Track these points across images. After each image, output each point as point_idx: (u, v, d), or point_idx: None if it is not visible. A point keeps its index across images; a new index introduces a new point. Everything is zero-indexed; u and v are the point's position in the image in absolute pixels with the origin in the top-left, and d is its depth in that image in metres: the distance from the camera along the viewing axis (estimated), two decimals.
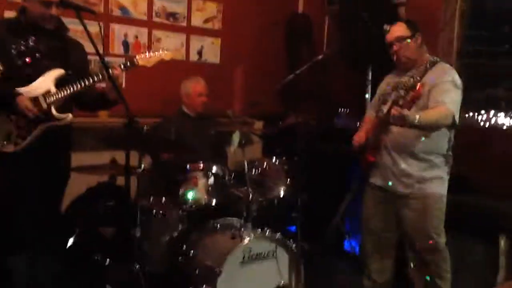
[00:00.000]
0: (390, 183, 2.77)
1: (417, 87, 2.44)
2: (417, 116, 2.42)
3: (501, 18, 3.69)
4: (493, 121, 3.66)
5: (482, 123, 3.66)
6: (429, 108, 2.60)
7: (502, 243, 3.16)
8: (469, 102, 3.30)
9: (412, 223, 2.74)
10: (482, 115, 3.61)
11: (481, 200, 3.34)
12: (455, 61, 3.88)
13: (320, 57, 3.08)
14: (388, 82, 2.93)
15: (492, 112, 3.62)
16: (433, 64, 2.72)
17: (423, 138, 2.67)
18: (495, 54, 3.72)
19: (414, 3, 3.98)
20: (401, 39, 2.72)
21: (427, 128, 2.62)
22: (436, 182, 2.72)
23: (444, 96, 2.58)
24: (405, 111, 2.40)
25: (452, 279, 2.81)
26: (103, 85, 2.63)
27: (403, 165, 2.72)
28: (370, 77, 3.90)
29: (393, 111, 2.43)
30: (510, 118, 3.60)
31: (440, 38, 3.88)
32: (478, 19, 3.83)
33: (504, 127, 3.60)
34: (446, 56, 3.81)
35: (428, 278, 2.78)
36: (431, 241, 2.71)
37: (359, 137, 2.90)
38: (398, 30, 2.74)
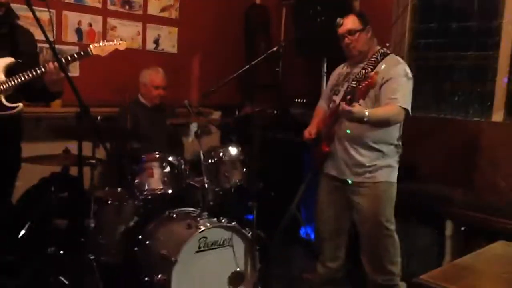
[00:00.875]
0: (348, 178, 2.81)
1: (371, 75, 2.50)
2: (366, 113, 2.46)
3: (449, 12, 3.83)
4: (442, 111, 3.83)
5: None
6: (381, 104, 2.65)
7: (448, 228, 3.32)
8: (419, 94, 3.43)
9: (363, 210, 2.81)
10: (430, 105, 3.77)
11: (428, 187, 3.49)
12: (406, 53, 4.01)
13: (275, 49, 3.10)
14: (339, 73, 2.98)
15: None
16: (384, 55, 2.78)
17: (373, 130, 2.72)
18: (444, 47, 3.86)
19: None
20: (352, 31, 2.77)
21: (377, 125, 2.67)
22: (386, 170, 2.79)
23: (396, 93, 2.63)
24: (354, 108, 2.45)
25: (402, 264, 2.91)
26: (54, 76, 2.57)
27: (355, 155, 2.77)
28: (325, 68, 3.98)
29: (341, 107, 2.48)
30: (454, 109, 3.77)
31: (393, 31, 3.99)
32: (428, 12, 3.95)
33: (449, 117, 3.76)
34: (398, 48, 3.94)
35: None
36: (381, 228, 2.79)
37: (309, 131, 2.95)
38: (349, 22, 2.79)
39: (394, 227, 2.85)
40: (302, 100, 4.13)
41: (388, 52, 2.83)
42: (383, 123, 2.67)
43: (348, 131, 2.74)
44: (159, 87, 3.63)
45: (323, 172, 2.99)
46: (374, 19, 2.91)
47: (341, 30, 2.81)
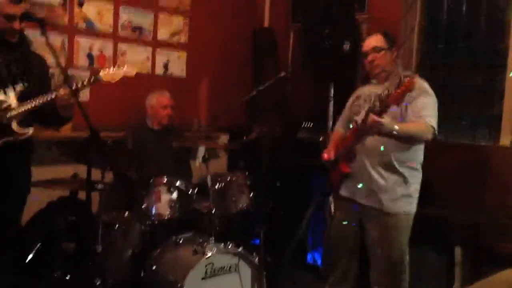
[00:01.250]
0: (365, 202, 2.74)
1: (408, 80, 2.35)
2: (396, 127, 2.44)
3: (456, 32, 3.84)
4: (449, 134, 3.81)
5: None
6: (411, 120, 2.60)
7: (457, 254, 3.28)
8: None
9: (379, 239, 2.74)
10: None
11: (437, 212, 3.46)
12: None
13: (282, 74, 3.13)
14: (358, 94, 2.92)
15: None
16: (407, 77, 2.77)
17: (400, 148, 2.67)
18: (451, 67, 3.85)
19: (375, 20, 4.11)
20: (377, 49, 2.74)
21: (405, 139, 2.61)
22: (407, 201, 2.73)
23: (425, 110, 2.60)
24: (384, 120, 2.40)
25: None
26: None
27: (375, 176, 2.69)
28: (332, 92, 3.99)
29: (371, 118, 2.41)
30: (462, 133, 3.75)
31: (400, 53, 4.01)
32: (435, 34, 3.97)
33: (460, 141, 3.74)
34: (406, 70, 3.94)
35: None
36: (394, 259, 2.73)
37: (328, 152, 2.88)
38: (374, 40, 2.76)
39: (408, 260, 2.79)
40: (309, 124, 4.14)
41: (413, 75, 2.78)
42: (412, 138, 2.62)
43: (382, 148, 2.65)
44: (167, 106, 3.66)
45: (338, 194, 2.91)
46: None
47: (365, 47, 2.79)
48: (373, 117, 2.41)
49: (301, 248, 4.00)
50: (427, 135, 2.61)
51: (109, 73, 2.67)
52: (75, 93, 2.49)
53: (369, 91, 2.85)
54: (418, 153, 2.75)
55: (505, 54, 3.52)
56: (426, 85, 2.72)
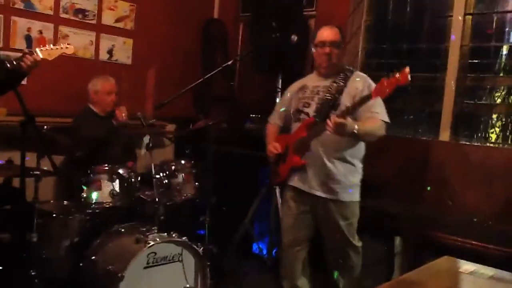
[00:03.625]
0: (319, 193, 2.78)
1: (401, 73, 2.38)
2: (356, 126, 2.49)
3: (400, 33, 3.96)
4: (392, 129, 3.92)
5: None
6: (361, 119, 2.65)
7: (396, 244, 3.39)
8: None
9: (331, 227, 2.80)
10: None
11: (378, 203, 3.55)
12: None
13: (230, 63, 3.10)
14: (303, 85, 2.92)
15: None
16: (351, 72, 2.81)
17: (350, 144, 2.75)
18: (395, 67, 3.96)
19: (322, 16, 4.15)
20: (336, 43, 2.76)
21: (362, 138, 2.69)
22: (356, 189, 2.82)
23: (377, 108, 2.67)
24: (347, 121, 2.44)
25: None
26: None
27: (331, 168, 2.73)
28: (280, 84, 4.01)
29: (334, 120, 2.43)
30: (405, 128, 3.88)
31: (346, 51, 4.08)
32: (380, 33, 4.07)
33: (399, 135, 3.86)
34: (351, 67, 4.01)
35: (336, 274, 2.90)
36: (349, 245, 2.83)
37: (275, 147, 2.89)
38: (333, 33, 2.77)
39: (361, 244, 2.89)
40: (257, 115, 4.15)
41: (352, 69, 2.86)
42: (370, 136, 2.68)
43: (336, 139, 2.64)
44: (111, 92, 3.57)
45: (288, 185, 2.91)
46: None
47: (322, 38, 2.77)
48: (335, 119, 2.44)
49: (247, 238, 4.01)
50: (382, 132, 2.70)
51: (45, 50, 2.55)
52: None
53: (314, 83, 2.87)
54: (362, 147, 2.85)
55: (446, 54, 3.67)
56: (371, 81, 2.77)
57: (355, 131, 2.49)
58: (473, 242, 2.99)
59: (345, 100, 2.70)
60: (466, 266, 2.03)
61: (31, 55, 2.52)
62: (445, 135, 3.67)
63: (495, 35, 3.52)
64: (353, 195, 2.81)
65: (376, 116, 2.66)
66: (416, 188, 3.63)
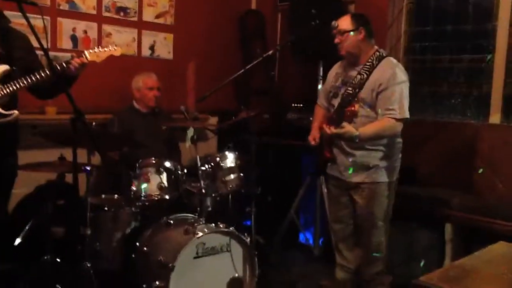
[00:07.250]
0: (350, 171, 2.82)
1: (354, 108, 2.56)
2: (356, 133, 2.51)
3: (444, 14, 3.83)
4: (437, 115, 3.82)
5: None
6: (379, 109, 2.65)
7: (447, 231, 3.31)
8: (415, 96, 3.42)
9: (360, 209, 2.83)
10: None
11: (427, 190, 3.47)
12: (402, 56, 4.01)
13: (270, 52, 3.09)
14: (336, 73, 2.96)
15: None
16: (379, 59, 2.74)
17: None
18: (439, 50, 3.86)
19: (362, 0, 4.08)
20: (343, 32, 2.76)
21: (366, 143, 2.68)
22: (384, 170, 2.78)
23: (394, 103, 2.63)
24: (343, 130, 2.48)
25: (403, 266, 2.94)
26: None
27: (356, 156, 2.77)
28: (321, 72, 3.97)
29: (330, 131, 2.51)
30: (452, 113, 3.77)
31: (388, 35, 3.99)
32: (423, 15, 3.95)
33: (446, 120, 3.76)
34: (394, 52, 3.93)
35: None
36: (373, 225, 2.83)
37: (313, 137, 2.94)
38: (341, 23, 2.78)
39: (385, 226, 2.85)
40: (299, 105, 4.12)
41: (384, 55, 2.79)
42: (376, 139, 2.70)
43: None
44: (153, 87, 3.64)
45: (328, 174, 3.01)
46: None
47: (335, 27, 2.82)
48: (332, 130, 2.51)
49: (293, 228, 4.02)
50: (393, 131, 2.68)
51: (94, 53, 2.63)
52: (61, 73, 2.44)
53: (345, 71, 2.89)
54: None
55: (493, 35, 3.52)
56: (397, 70, 2.70)
57: (356, 139, 2.52)
58: None
59: (364, 95, 2.70)
60: None
61: (79, 57, 2.60)
62: (495, 118, 3.55)
63: None
64: (381, 177, 2.78)
65: (391, 114, 2.62)
66: (466, 174, 3.54)
